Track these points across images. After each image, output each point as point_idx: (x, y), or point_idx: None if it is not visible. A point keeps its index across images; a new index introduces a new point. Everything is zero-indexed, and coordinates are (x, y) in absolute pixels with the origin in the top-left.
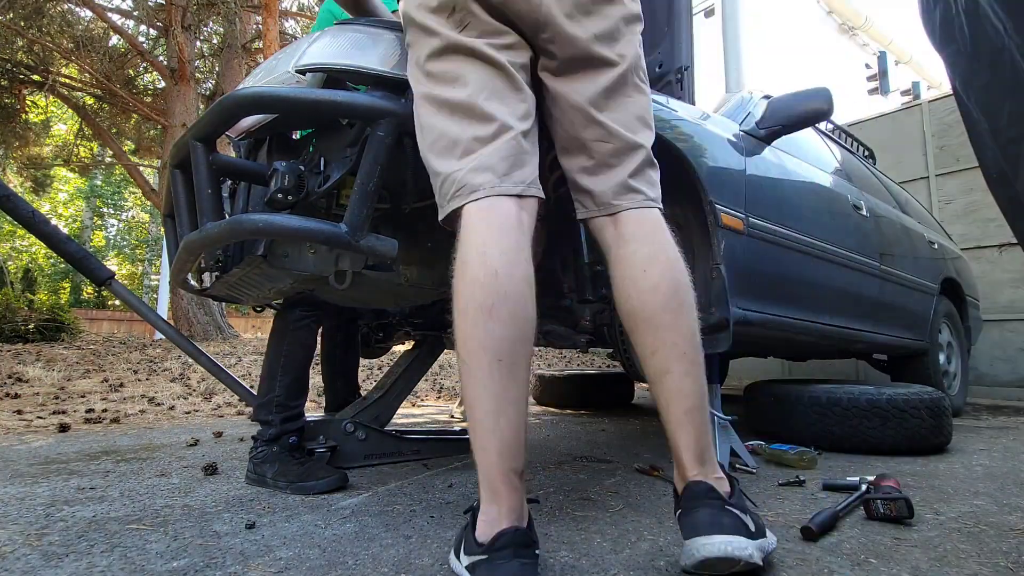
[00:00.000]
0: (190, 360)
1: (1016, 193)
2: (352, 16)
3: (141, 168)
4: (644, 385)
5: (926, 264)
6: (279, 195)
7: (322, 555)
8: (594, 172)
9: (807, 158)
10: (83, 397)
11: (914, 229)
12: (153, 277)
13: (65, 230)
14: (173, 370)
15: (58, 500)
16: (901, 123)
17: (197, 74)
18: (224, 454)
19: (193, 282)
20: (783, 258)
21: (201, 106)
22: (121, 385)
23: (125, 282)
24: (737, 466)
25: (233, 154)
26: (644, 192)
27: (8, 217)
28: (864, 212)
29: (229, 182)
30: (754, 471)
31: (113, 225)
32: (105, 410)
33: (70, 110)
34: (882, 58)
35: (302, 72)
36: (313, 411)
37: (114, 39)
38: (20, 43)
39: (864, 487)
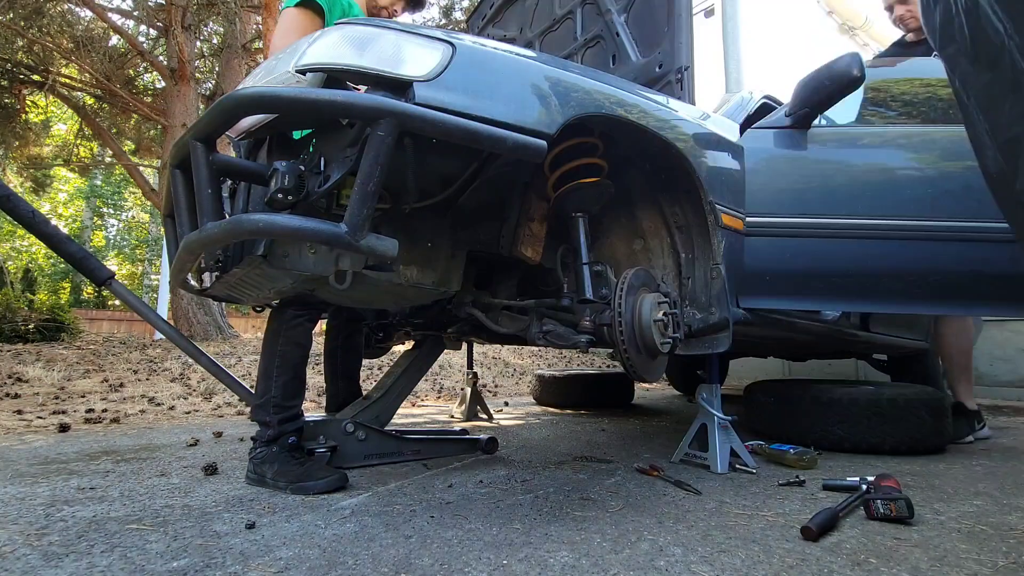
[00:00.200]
0: (190, 360)
1: (1016, 193)
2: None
3: (141, 168)
4: (644, 385)
5: None
6: (279, 195)
7: (322, 555)
8: None
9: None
10: (83, 397)
11: None
12: (153, 277)
13: (65, 230)
14: (173, 370)
15: (58, 500)
16: None
17: (197, 74)
18: (224, 454)
19: (193, 282)
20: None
21: (201, 106)
22: (121, 385)
23: (125, 282)
24: (737, 466)
25: (233, 154)
26: None
27: (8, 217)
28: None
29: (229, 182)
30: (754, 471)
31: (113, 225)
32: (105, 410)
33: (70, 110)
34: None
35: (302, 72)
36: (313, 411)
37: (114, 39)
38: (20, 43)
39: (864, 487)
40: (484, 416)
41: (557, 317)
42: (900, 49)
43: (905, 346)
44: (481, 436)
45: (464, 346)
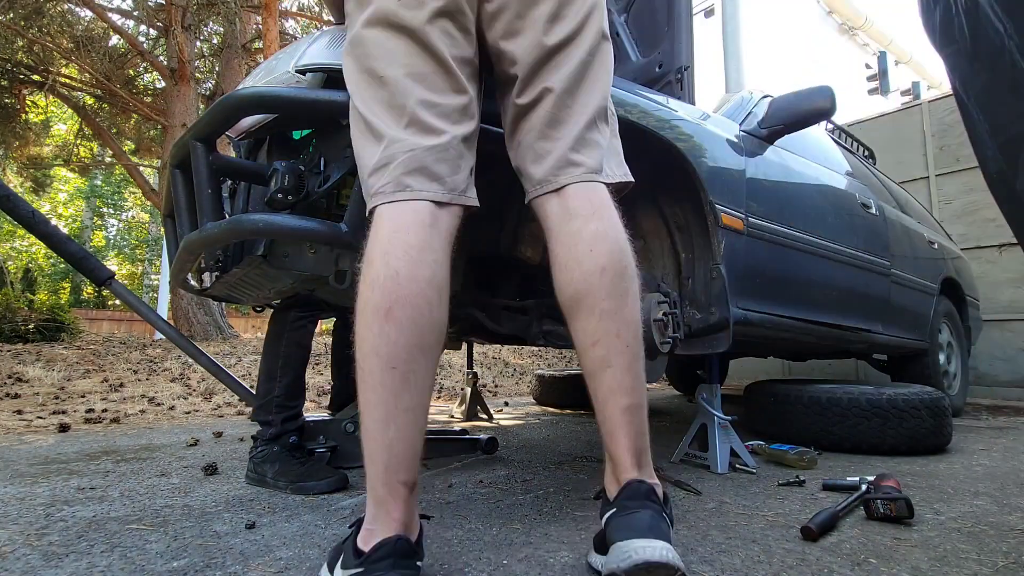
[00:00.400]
0: (190, 360)
1: (1016, 192)
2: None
3: (141, 168)
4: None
5: (926, 264)
6: (279, 195)
7: (322, 555)
8: (532, 150)
9: (813, 157)
10: (83, 397)
11: (914, 229)
12: (153, 277)
13: (65, 230)
14: (173, 370)
15: (58, 500)
16: (901, 123)
17: (197, 74)
18: (224, 454)
19: (193, 282)
20: (786, 257)
21: (201, 106)
22: (121, 385)
23: (125, 282)
24: (737, 466)
25: (233, 154)
26: (585, 163)
27: (8, 217)
28: (873, 210)
29: (229, 182)
30: (754, 471)
31: (113, 225)
32: (105, 410)
33: (70, 110)
34: (882, 58)
35: (302, 72)
36: (313, 411)
37: (114, 39)
38: (20, 43)
39: (864, 487)
40: (484, 416)
41: (557, 317)
42: None
43: (905, 346)
44: (481, 436)
45: (464, 346)
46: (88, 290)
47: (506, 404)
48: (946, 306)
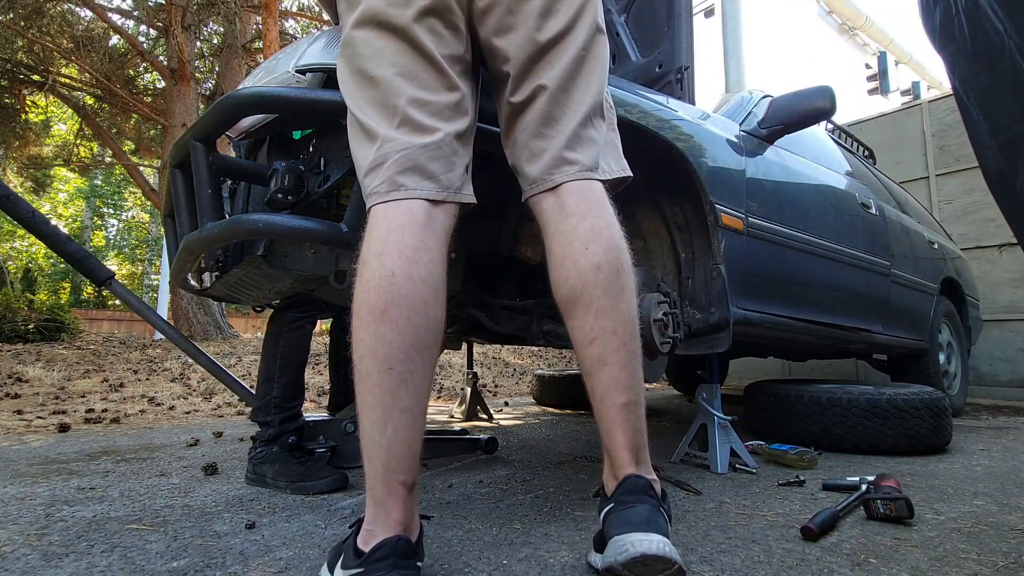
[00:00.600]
0: (190, 360)
1: (1016, 193)
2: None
3: (141, 168)
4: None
5: (926, 264)
6: (279, 195)
7: (322, 555)
8: (527, 149)
9: (813, 157)
10: (83, 397)
11: (914, 229)
12: (153, 277)
13: (65, 230)
14: (173, 370)
15: (58, 500)
16: (901, 123)
17: (197, 74)
18: (224, 454)
19: (193, 282)
20: (785, 257)
21: (201, 106)
22: (121, 385)
23: (125, 282)
24: (737, 466)
25: (233, 154)
26: (580, 161)
27: (8, 217)
28: (873, 210)
29: (229, 182)
30: (754, 471)
31: (113, 225)
32: (105, 410)
33: (70, 110)
34: (882, 58)
35: (302, 72)
36: (313, 411)
37: (114, 39)
38: (20, 43)
39: (864, 487)
40: (484, 416)
41: (557, 317)
42: None
43: (905, 346)
44: (481, 436)
45: (464, 346)
46: (88, 290)
47: (506, 404)
48: (946, 306)
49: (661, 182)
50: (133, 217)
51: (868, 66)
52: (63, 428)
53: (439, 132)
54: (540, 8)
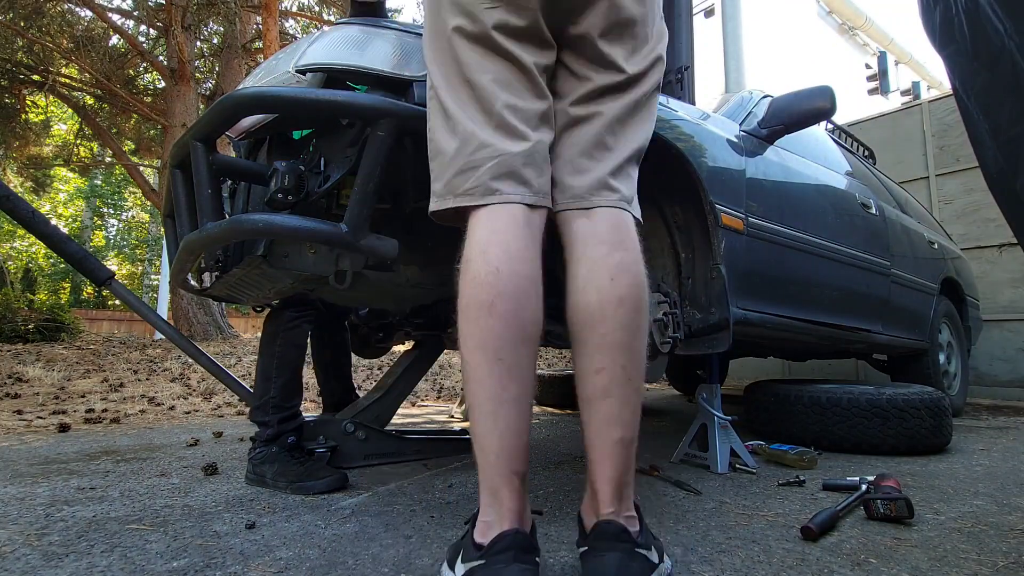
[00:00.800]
0: (190, 360)
1: (1016, 193)
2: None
3: (141, 168)
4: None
5: (926, 264)
6: (279, 195)
7: (322, 555)
8: (572, 164)
9: (813, 157)
10: (83, 397)
11: (914, 229)
12: (153, 277)
13: (65, 230)
14: (173, 370)
15: (58, 500)
16: (901, 123)
17: (197, 74)
18: (224, 454)
19: (193, 282)
20: (785, 257)
21: (201, 106)
22: (121, 385)
23: (125, 282)
24: (737, 466)
25: (233, 154)
26: (621, 191)
27: (8, 217)
28: (873, 210)
29: (229, 182)
30: (754, 471)
31: (113, 225)
32: (105, 410)
33: (70, 110)
34: (882, 58)
35: (302, 72)
36: (313, 411)
37: (114, 39)
38: (20, 43)
39: (864, 487)
40: None
41: (557, 317)
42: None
43: (905, 346)
44: None
45: None
46: (88, 290)
47: None
48: (946, 306)
49: (661, 182)
50: (133, 217)
51: (868, 66)
52: (63, 428)
53: (532, 140)
54: (630, 48)
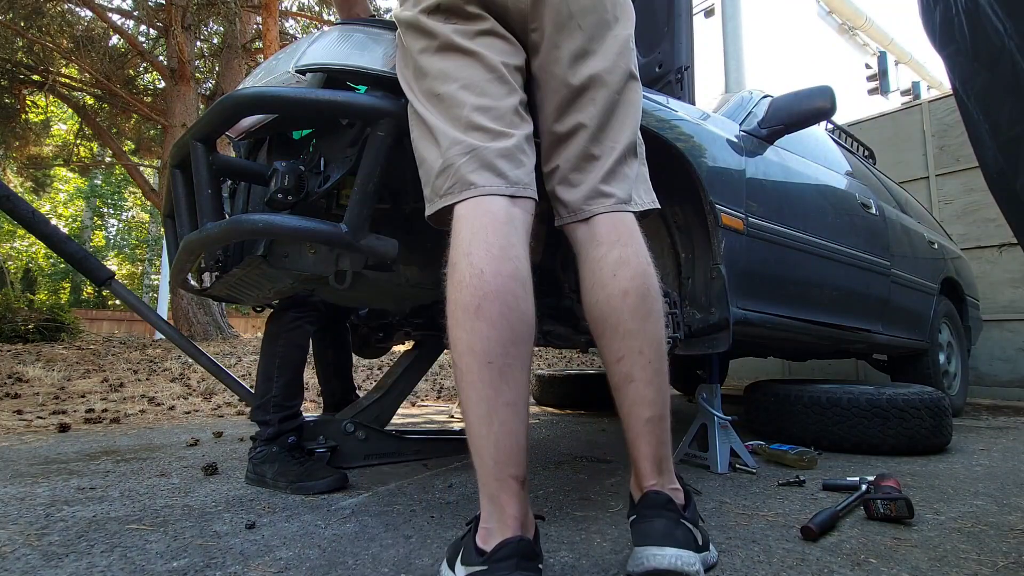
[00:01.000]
0: (190, 360)
1: (1016, 192)
2: (343, 18)
3: (141, 168)
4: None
5: (926, 264)
6: (279, 195)
7: (322, 555)
8: (566, 180)
9: (813, 157)
10: (83, 397)
11: (914, 229)
12: (153, 277)
13: (65, 230)
14: (173, 370)
15: (58, 500)
16: (901, 123)
17: (197, 74)
18: (224, 454)
19: (193, 282)
20: (785, 257)
21: (201, 106)
22: (121, 385)
23: (125, 282)
24: (737, 466)
25: (233, 154)
26: (615, 195)
27: (8, 217)
28: (873, 210)
29: (229, 182)
30: (754, 471)
31: (113, 225)
32: (105, 410)
33: (70, 110)
34: (882, 58)
35: (302, 72)
36: (313, 411)
37: (114, 39)
38: (20, 43)
39: (864, 487)
40: None
41: (557, 317)
42: None
43: (905, 346)
44: None
45: None
46: (88, 290)
47: None
48: (946, 306)
49: (661, 182)
50: (133, 217)
51: (868, 66)
52: (63, 428)
53: (505, 136)
54: (578, 49)
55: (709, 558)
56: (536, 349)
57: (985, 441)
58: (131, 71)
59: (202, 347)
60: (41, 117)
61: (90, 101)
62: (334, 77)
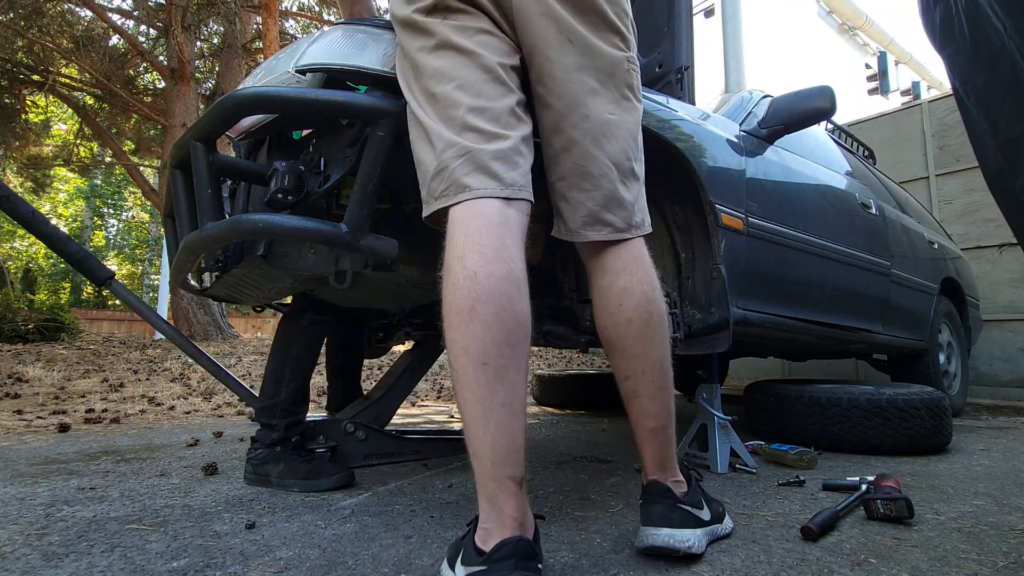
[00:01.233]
0: (190, 360)
1: (1016, 192)
2: (344, 17)
3: (141, 168)
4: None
5: (926, 264)
6: (279, 195)
7: (322, 555)
8: (564, 197)
9: (813, 157)
10: (83, 397)
11: (914, 229)
12: (153, 277)
13: (65, 230)
14: (173, 370)
15: (58, 500)
16: (901, 123)
17: (197, 74)
18: (224, 454)
19: (193, 282)
20: (785, 257)
21: (201, 106)
22: (121, 385)
23: (125, 282)
24: (737, 466)
25: (233, 154)
26: (614, 224)
27: (8, 217)
28: (873, 210)
29: (229, 182)
30: (754, 471)
31: (113, 225)
32: (105, 410)
33: (70, 110)
34: (882, 58)
35: (302, 72)
36: (313, 411)
37: (114, 39)
38: (20, 43)
39: (864, 487)
40: None
41: (557, 317)
42: None
43: (905, 346)
44: None
45: None
46: (88, 290)
47: None
48: (946, 306)
49: (661, 182)
50: (133, 217)
51: (868, 66)
52: (63, 428)
53: (501, 138)
54: (575, 63)
55: (719, 529)
56: (536, 349)
57: (985, 441)
58: (131, 71)
59: (202, 347)
60: (41, 117)
61: (90, 101)
62: (334, 77)
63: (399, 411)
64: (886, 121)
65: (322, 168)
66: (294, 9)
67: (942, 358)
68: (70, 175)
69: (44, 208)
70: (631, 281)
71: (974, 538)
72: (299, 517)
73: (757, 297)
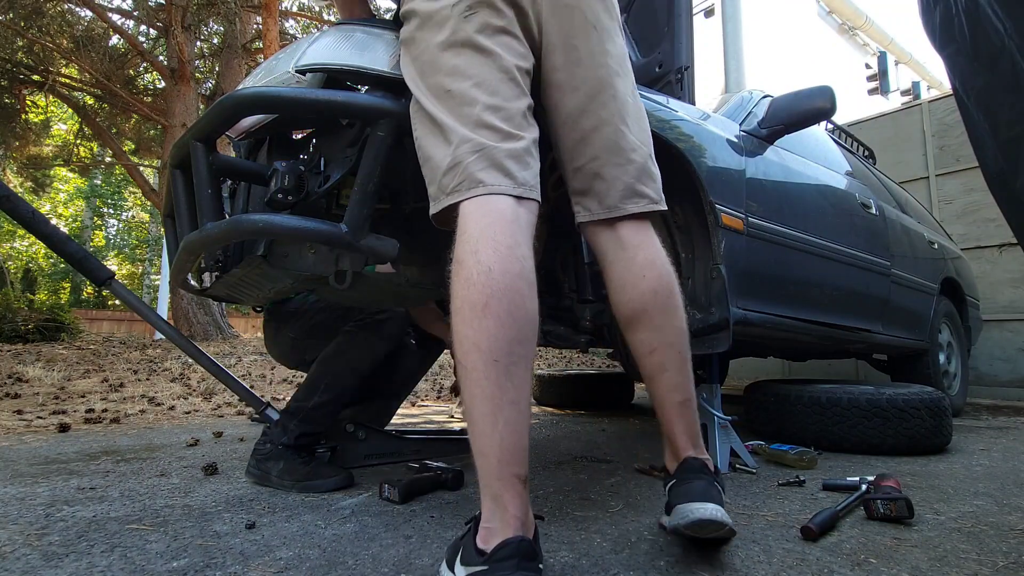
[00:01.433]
0: (190, 360)
1: (1016, 192)
2: (344, 17)
3: (141, 168)
4: (644, 385)
5: (926, 264)
6: (279, 195)
7: (322, 555)
8: (598, 176)
9: (813, 157)
10: (83, 397)
11: (914, 229)
12: (153, 277)
13: (65, 230)
14: (173, 370)
15: (58, 500)
16: (901, 123)
17: (197, 74)
18: (224, 454)
19: (193, 282)
20: (785, 257)
21: (201, 106)
22: (121, 385)
23: (125, 282)
24: (737, 466)
25: (233, 154)
26: (649, 195)
27: (8, 217)
28: (873, 210)
29: (229, 182)
30: (754, 471)
31: (113, 225)
32: (105, 410)
33: (70, 110)
34: (882, 58)
35: (302, 72)
36: None
37: (114, 39)
38: (20, 43)
39: (864, 487)
40: None
41: (557, 317)
42: None
43: (905, 346)
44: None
45: None
46: (88, 290)
47: None
48: (946, 306)
49: (661, 182)
50: (133, 217)
51: (868, 66)
52: (63, 428)
53: (515, 137)
54: (600, 49)
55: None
56: (536, 349)
57: (985, 441)
58: (131, 71)
59: (202, 347)
60: (41, 117)
61: (90, 101)
62: (334, 77)
63: (399, 411)
64: (886, 121)
65: (322, 168)
66: (294, 9)
67: (942, 358)
68: (70, 175)
69: (44, 208)
70: (650, 254)
71: (974, 538)
72: (299, 517)
73: (757, 297)
